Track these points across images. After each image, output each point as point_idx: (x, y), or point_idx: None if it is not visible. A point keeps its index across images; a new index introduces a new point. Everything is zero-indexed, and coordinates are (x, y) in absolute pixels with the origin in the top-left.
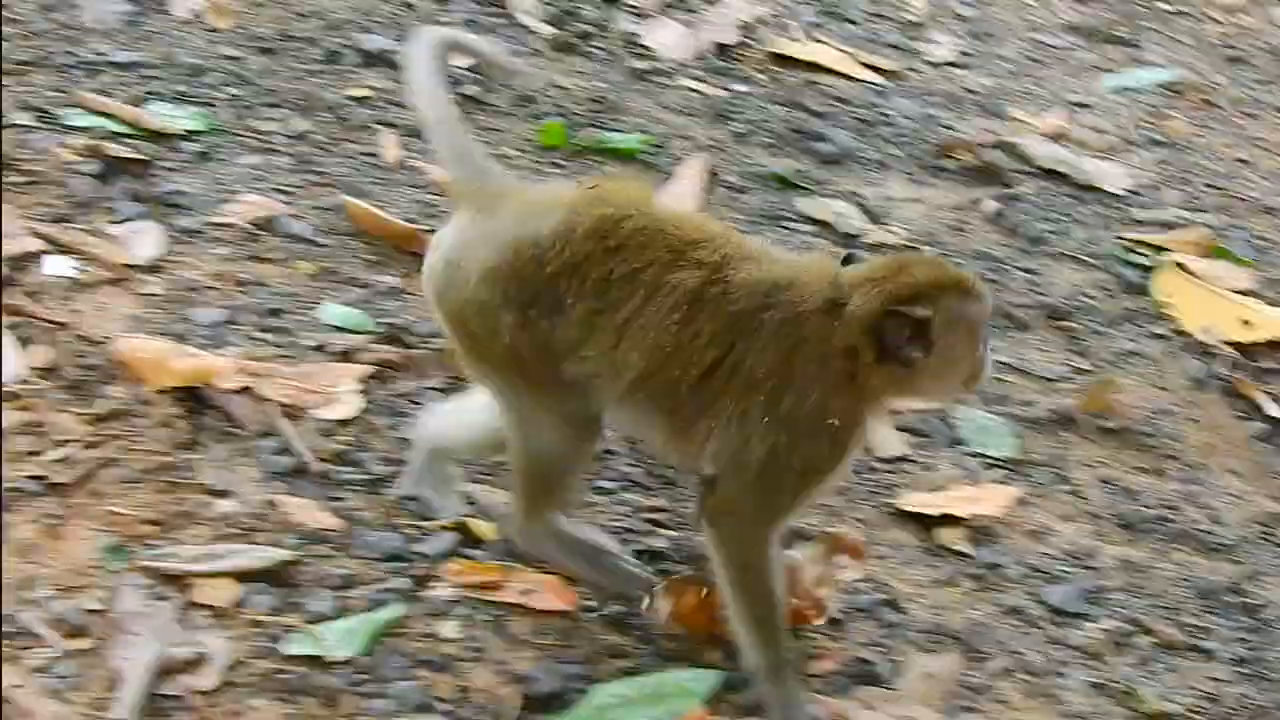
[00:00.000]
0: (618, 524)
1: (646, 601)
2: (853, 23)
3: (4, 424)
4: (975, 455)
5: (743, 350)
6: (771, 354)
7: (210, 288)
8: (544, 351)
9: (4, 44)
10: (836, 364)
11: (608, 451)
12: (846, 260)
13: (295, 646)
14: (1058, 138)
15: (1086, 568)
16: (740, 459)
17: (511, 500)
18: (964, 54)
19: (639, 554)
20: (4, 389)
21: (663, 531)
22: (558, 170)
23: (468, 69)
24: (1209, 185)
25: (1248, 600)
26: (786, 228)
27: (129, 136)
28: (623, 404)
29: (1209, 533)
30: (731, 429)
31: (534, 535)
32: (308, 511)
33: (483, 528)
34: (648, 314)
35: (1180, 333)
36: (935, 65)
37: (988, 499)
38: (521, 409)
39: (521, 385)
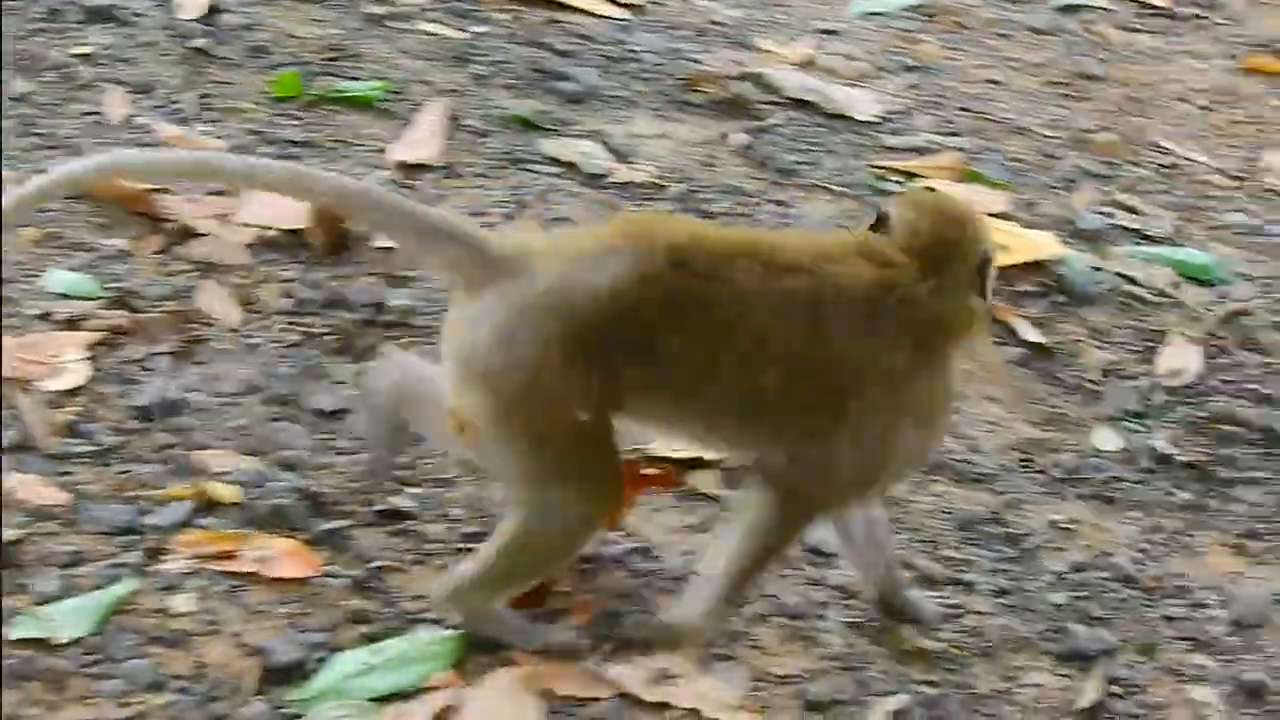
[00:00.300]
0: (360, 485)
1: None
2: None
3: None
4: None
5: (870, 346)
6: (902, 347)
7: None
8: (611, 409)
9: None
10: (954, 337)
11: (344, 411)
12: (878, 225)
13: (20, 630)
14: (806, 66)
15: None
16: (881, 454)
17: (470, 570)
18: None
19: (382, 514)
20: None
21: (409, 490)
22: (294, 122)
23: (196, 19)
24: (962, 108)
25: (1009, 530)
26: (531, 170)
27: None
28: (743, 430)
29: (967, 462)
30: (866, 427)
31: (477, 612)
32: (32, 487)
33: (219, 491)
34: (768, 328)
35: None
36: None
37: None
38: (551, 487)
39: (565, 459)
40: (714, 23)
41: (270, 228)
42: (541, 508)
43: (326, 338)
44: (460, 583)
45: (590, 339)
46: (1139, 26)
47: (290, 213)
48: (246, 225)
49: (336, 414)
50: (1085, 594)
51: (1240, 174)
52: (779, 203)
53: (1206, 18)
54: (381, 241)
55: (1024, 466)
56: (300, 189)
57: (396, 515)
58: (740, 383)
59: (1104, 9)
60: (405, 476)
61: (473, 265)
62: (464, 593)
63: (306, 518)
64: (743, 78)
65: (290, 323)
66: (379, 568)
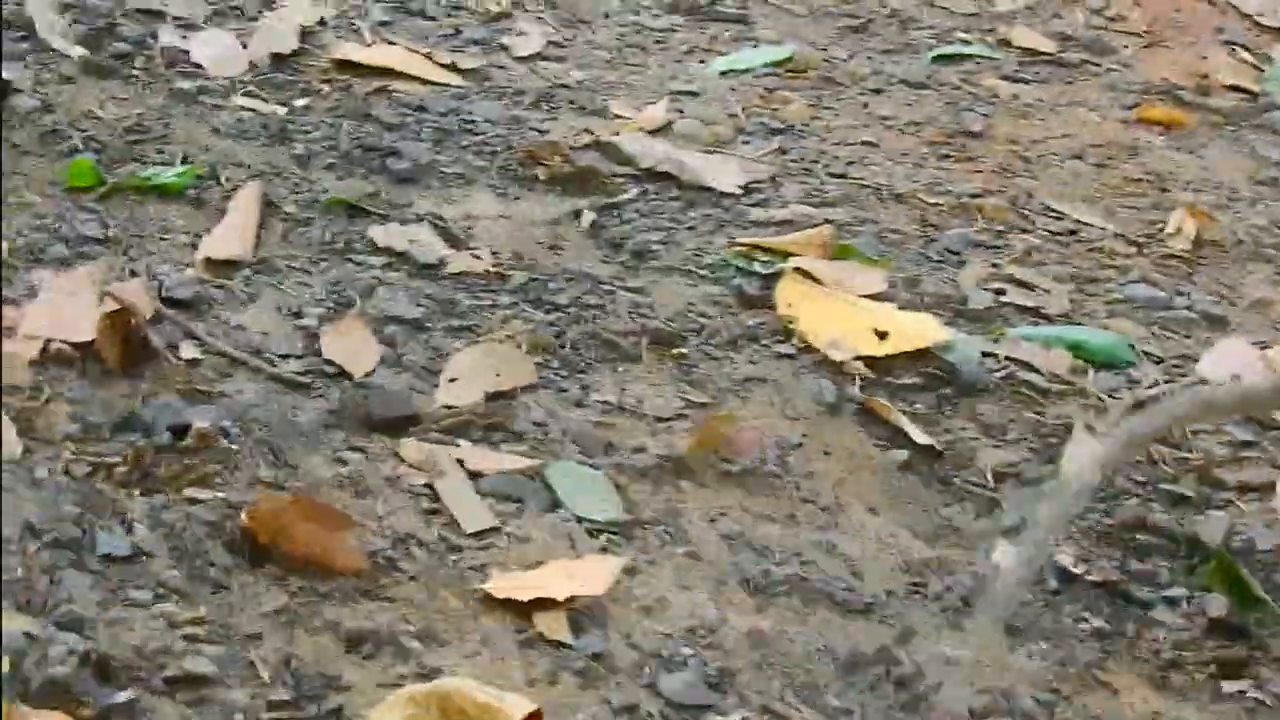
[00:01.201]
0: (153, 645)
1: None
2: (429, 18)
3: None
4: (575, 520)
5: None
6: None
7: None
8: None
9: None
10: None
11: (141, 554)
12: None
13: None
14: (662, 133)
15: (709, 647)
16: None
17: None
18: (554, 44)
19: (171, 681)
20: None
21: (206, 649)
22: (90, 215)
23: None
24: (832, 174)
25: (898, 669)
26: (356, 261)
27: None
28: None
29: (850, 589)
30: None
31: None
32: None
33: None
34: None
35: (807, 349)
36: (522, 60)
37: (589, 573)
38: None
39: None
40: (559, 86)
41: (56, 340)
42: None
43: (119, 468)
44: None
45: None
46: (1024, 77)
47: (80, 321)
48: (30, 338)
49: (130, 559)
50: None
51: (1141, 239)
52: (633, 290)
53: (1098, 65)
54: (187, 351)
55: (915, 592)
56: None
57: (190, 681)
58: None
59: (985, 58)
60: (202, 634)
61: None
62: None
63: (89, 687)
64: (592, 147)
65: (77, 451)
66: None
